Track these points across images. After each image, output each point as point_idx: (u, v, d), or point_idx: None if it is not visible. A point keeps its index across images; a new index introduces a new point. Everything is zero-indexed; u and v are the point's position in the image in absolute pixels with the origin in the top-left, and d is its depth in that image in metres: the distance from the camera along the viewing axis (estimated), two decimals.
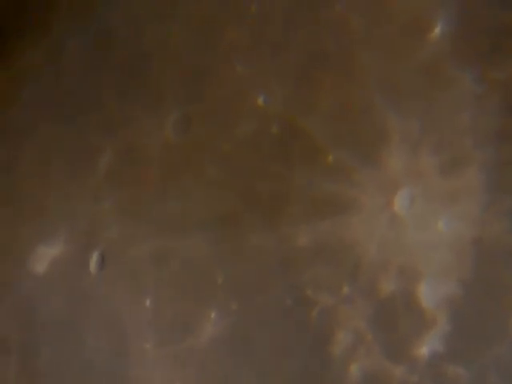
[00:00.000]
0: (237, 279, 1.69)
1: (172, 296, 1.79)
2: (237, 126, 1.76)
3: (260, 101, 1.73)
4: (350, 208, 1.54)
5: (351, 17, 1.62)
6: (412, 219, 1.47)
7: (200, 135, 1.83)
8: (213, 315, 1.70)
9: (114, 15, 2.08)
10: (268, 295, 1.62)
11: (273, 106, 1.71)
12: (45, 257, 2.06)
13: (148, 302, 1.82)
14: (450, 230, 1.42)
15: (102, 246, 1.95)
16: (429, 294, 1.42)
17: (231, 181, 1.75)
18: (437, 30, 1.50)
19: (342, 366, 1.49)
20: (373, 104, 1.56)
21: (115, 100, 2.04)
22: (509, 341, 1.37)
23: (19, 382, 2.04)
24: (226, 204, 1.75)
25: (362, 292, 1.49)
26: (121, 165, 1.96)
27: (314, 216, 1.59)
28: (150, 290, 1.83)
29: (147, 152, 1.92)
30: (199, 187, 1.80)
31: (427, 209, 1.45)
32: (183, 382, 1.74)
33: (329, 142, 1.61)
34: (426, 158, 1.47)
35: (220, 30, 1.85)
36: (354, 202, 1.54)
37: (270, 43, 1.74)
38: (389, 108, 1.54)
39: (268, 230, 1.65)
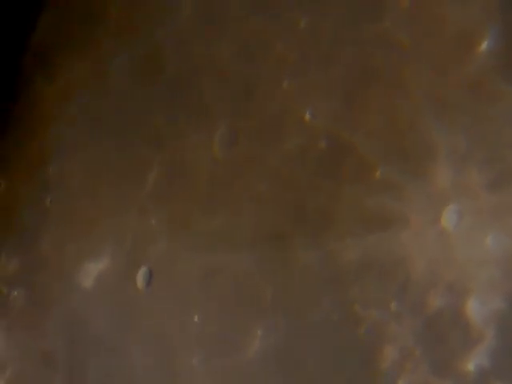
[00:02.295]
0: (284, 295, 1.78)
1: (219, 312, 1.89)
2: (284, 141, 1.86)
3: (307, 116, 1.83)
4: (398, 223, 1.62)
5: (398, 32, 1.71)
6: (460, 235, 1.54)
7: (247, 150, 1.93)
8: (260, 331, 1.80)
9: (161, 31, 2.20)
10: (316, 311, 1.71)
11: (320, 121, 1.81)
12: (92, 272, 2.18)
13: (196, 318, 1.92)
14: (498, 246, 1.49)
15: (150, 262, 2.06)
16: (477, 310, 1.49)
17: (279, 196, 1.84)
18: (484, 45, 1.58)
19: (389, 381, 1.57)
20: (420, 119, 1.64)
21: (163, 115, 2.15)
22: None
23: None
24: (273, 219, 1.84)
25: (409, 308, 1.57)
26: (168, 180, 2.08)
27: (362, 232, 1.67)
28: (198, 305, 1.93)
29: (195, 167, 2.03)
30: (247, 202, 1.90)
31: (475, 224, 1.53)
32: None
33: (376, 157, 1.69)
34: (473, 173, 1.55)
35: (268, 45, 1.95)
36: (401, 217, 1.62)
37: (317, 58, 1.84)
38: (436, 123, 1.62)
39: (316, 245, 1.74)
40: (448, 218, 1.57)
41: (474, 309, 1.50)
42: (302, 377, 1.72)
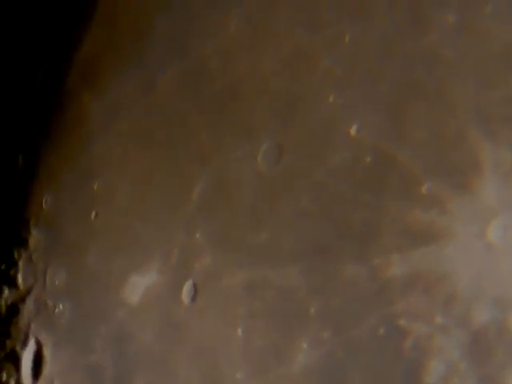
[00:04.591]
0: (329, 309, 1.87)
1: (264, 325, 1.99)
2: (330, 155, 1.95)
3: (353, 130, 1.92)
4: (444, 238, 1.71)
5: (444, 46, 1.80)
6: (505, 248, 1.62)
7: (292, 164, 2.03)
8: (305, 345, 1.89)
9: (205, 47, 2.32)
10: (361, 325, 1.80)
11: (366, 136, 1.90)
12: (138, 286, 2.30)
13: (240, 332, 2.02)
14: None
15: (195, 276, 2.17)
16: None
17: (324, 210, 1.94)
18: None
19: None
20: (466, 133, 1.73)
21: (209, 130, 2.27)
22: None
23: None
24: (318, 234, 1.94)
25: (455, 322, 1.65)
26: (214, 194, 2.19)
27: (408, 246, 1.76)
28: (242, 319, 2.03)
29: (240, 181, 2.14)
30: (292, 217, 1.99)
31: None
32: None
33: (422, 171, 1.78)
34: None
35: (313, 59, 2.05)
36: (447, 231, 1.71)
37: (363, 73, 1.93)
38: (482, 137, 1.70)
39: (361, 259, 1.83)
40: (494, 232, 1.65)
41: None
42: None
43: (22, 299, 2.64)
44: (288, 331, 1.93)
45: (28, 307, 2.61)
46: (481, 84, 1.72)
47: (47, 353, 2.49)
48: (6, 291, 2.70)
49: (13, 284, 2.68)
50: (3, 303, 2.67)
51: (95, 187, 2.52)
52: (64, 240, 2.58)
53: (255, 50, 2.21)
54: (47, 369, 2.48)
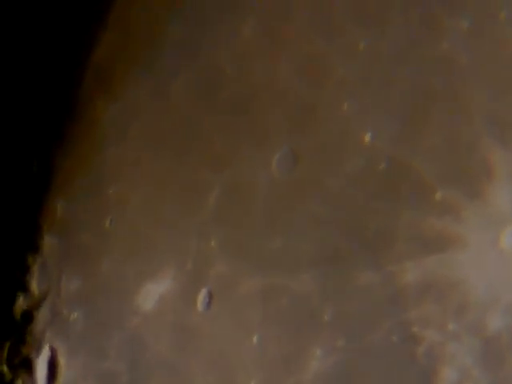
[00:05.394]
0: (343, 316, 1.92)
1: (278, 333, 2.03)
2: (344, 163, 2.00)
3: (367, 138, 1.97)
4: (457, 244, 1.76)
5: (458, 54, 1.85)
6: None
7: (307, 172, 2.08)
8: (319, 352, 1.94)
9: (220, 53, 2.37)
10: (374, 332, 1.84)
11: (380, 143, 1.95)
12: (153, 294, 2.35)
13: (255, 339, 2.07)
14: None
15: (210, 284, 2.22)
16: None
17: (338, 218, 1.99)
18: None
19: None
20: (480, 140, 1.78)
21: (223, 136, 2.31)
22: None
23: None
24: (333, 241, 1.99)
25: (468, 328, 1.70)
26: (228, 201, 2.23)
27: (421, 253, 1.81)
28: (257, 327, 2.08)
29: (254, 188, 2.19)
30: (306, 224, 2.04)
31: None
32: None
33: (436, 178, 1.83)
34: None
35: (328, 66, 2.10)
36: (460, 238, 1.75)
37: (377, 80, 1.98)
38: (496, 144, 1.75)
39: (374, 267, 1.88)
40: (507, 239, 1.69)
41: None
42: None
43: (37, 306, 2.70)
44: (302, 338, 1.98)
45: (43, 314, 2.67)
46: (495, 91, 1.77)
47: (62, 360, 2.54)
48: (21, 298, 2.75)
49: (27, 291, 2.74)
50: (18, 310, 2.73)
51: (109, 193, 2.57)
52: (78, 246, 2.63)
53: (270, 56, 2.26)
54: (62, 376, 2.53)
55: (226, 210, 2.24)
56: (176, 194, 2.38)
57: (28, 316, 2.70)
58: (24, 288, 2.74)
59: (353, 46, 2.03)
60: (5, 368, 2.66)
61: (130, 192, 2.50)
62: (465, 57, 1.83)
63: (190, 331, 2.23)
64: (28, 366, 2.62)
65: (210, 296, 2.20)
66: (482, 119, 1.78)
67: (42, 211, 2.76)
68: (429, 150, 1.86)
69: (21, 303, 2.73)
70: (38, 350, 2.62)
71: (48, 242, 2.73)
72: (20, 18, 2.83)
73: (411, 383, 1.76)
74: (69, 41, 2.83)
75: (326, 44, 2.11)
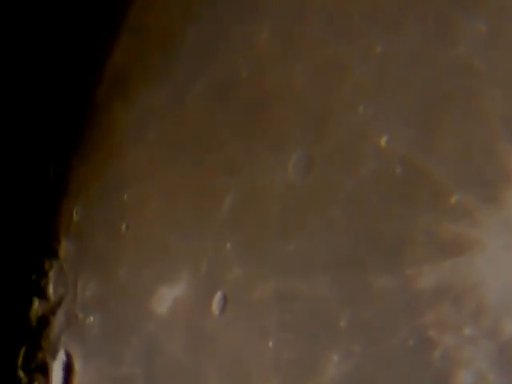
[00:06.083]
0: (360, 321, 1.95)
1: (295, 337, 2.06)
2: (360, 166, 2.03)
3: (383, 141, 2.00)
4: (474, 248, 1.78)
5: (475, 57, 1.88)
6: None
7: (323, 175, 2.11)
8: (335, 357, 1.97)
9: (236, 58, 2.41)
10: (391, 336, 1.87)
11: (396, 147, 1.98)
12: (168, 298, 2.39)
13: (271, 343, 2.10)
14: None
15: (225, 287, 2.25)
16: None
17: (354, 221, 2.02)
18: None
19: None
20: (496, 144, 1.80)
21: (239, 140, 2.35)
22: None
23: None
24: (349, 245, 2.01)
25: (484, 333, 1.72)
26: (244, 205, 2.27)
27: (437, 257, 1.83)
28: (273, 331, 2.11)
29: (270, 192, 2.22)
30: (322, 228, 2.07)
31: None
32: None
33: (452, 182, 1.86)
34: None
35: (344, 69, 2.14)
36: (476, 242, 1.78)
37: (393, 83, 2.01)
38: None
39: (391, 270, 1.91)
40: None
41: None
42: None
43: (53, 311, 2.74)
44: (318, 343, 2.01)
45: (58, 319, 2.71)
46: (511, 94, 1.79)
47: (77, 364, 2.58)
48: (37, 303, 2.79)
49: (43, 295, 2.78)
50: (34, 315, 2.77)
51: (125, 198, 2.61)
52: (94, 251, 2.68)
53: (286, 60, 2.30)
54: (77, 381, 2.57)
55: (242, 214, 2.27)
56: (192, 198, 2.41)
57: (44, 321, 2.74)
58: (40, 293, 2.78)
59: (369, 49, 2.06)
60: (21, 372, 2.70)
61: (146, 197, 2.54)
62: (481, 60, 1.86)
63: (205, 335, 2.27)
64: (44, 371, 2.66)
65: (225, 300, 2.24)
66: (498, 122, 1.80)
67: (59, 216, 2.81)
68: (445, 153, 1.88)
69: (36, 308, 2.77)
70: (54, 354, 2.67)
71: (64, 246, 2.78)
72: (37, 24, 2.88)
73: None
74: (86, 46, 2.88)
75: (341, 47, 2.14)
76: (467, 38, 1.90)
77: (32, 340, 2.73)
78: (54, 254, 2.79)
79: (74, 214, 2.77)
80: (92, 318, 2.60)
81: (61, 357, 2.64)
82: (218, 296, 2.25)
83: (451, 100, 1.90)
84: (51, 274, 2.78)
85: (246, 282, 2.20)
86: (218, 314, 2.24)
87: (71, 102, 2.88)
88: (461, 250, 1.80)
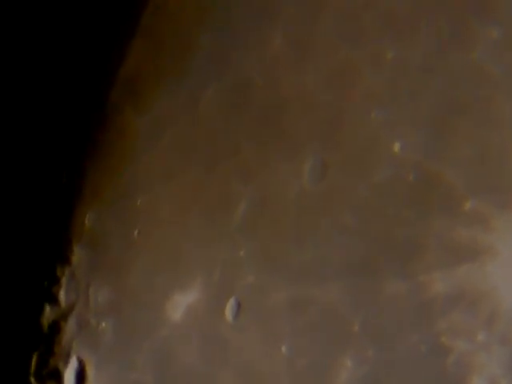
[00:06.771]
0: (373, 326, 1.97)
1: (308, 343, 2.08)
2: (373, 172, 2.06)
3: (396, 147, 2.03)
4: (487, 254, 1.80)
5: (488, 62, 1.90)
6: None
7: (336, 182, 2.13)
8: (349, 362, 1.99)
9: (250, 64, 2.43)
10: (404, 342, 1.89)
11: (409, 153, 2.00)
12: (181, 304, 2.40)
13: (284, 350, 2.13)
14: None
15: (238, 294, 2.27)
16: None
17: (368, 228, 2.04)
18: None
19: None
20: (510, 150, 1.82)
21: (252, 147, 2.37)
22: None
23: None
24: (362, 250, 2.04)
25: (497, 338, 1.74)
26: (257, 211, 2.29)
27: (451, 262, 1.86)
28: (286, 336, 2.13)
29: (283, 198, 2.24)
30: (335, 234, 2.09)
31: None
32: None
33: (466, 188, 1.88)
34: None
35: (356, 75, 2.16)
36: (490, 248, 1.80)
37: (406, 90, 2.04)
38: None
39: (404, 276, 1.93)
40: None
41: None
42: None
43: (64, 317, 2.75)
44: (332, 349, 2.03)
45: (70, 325, 2.72)
46: None
47: (90, 371, 2.60)
48: (48, 309, 2.81)
49: (55, 301, 2.80)
50: (45, 321, 2.79)
51: (138, 204, 2.63)
52: (107, 257, 2.69)
53: (298, 66, 2.32)
54: None
55: (255, 221, 2.29)
56: (205, 205, 2.43)
57: (56, 327, 2.75)
58: (52, 299, 2.80)
59: (381, 56, 2.09)
60: (33, 379, 2.71)
61: (159, 203, 2.56)
62: (495, 66, 1.88)
63: (219, 342, 2.28)
64: (56, 377, 2.68)
65: (239, 306, 2.25)
66: None
67: (71, 222, 2.82)
68: (458, 159, 1.90)
69: (48, 314, 2.79)
70: (66, 361, 2.68)
71: (77, 252, 2.79)
72: (51, 29, 2.91)
73: None
74: (99, 51, 2.90)
75: (354, 53, 2.16)
76: (481, 44, 1.92)
77: (44, 346, 2.74)
78: (66, 260, 2.81)
79: (87, 220, 2.78)
80: (104, 324, 2.61)
81: (73, 363, 2.65)
82: (232, 302, 2.27)
83: (465, 106, 1.92)
84: (63, 280, 2.80)
85: (260, 289, 2.21)
86: (231, 320, 2.26)
87: (84, 107, 2.90)
88: (474, 255, 1.82)
